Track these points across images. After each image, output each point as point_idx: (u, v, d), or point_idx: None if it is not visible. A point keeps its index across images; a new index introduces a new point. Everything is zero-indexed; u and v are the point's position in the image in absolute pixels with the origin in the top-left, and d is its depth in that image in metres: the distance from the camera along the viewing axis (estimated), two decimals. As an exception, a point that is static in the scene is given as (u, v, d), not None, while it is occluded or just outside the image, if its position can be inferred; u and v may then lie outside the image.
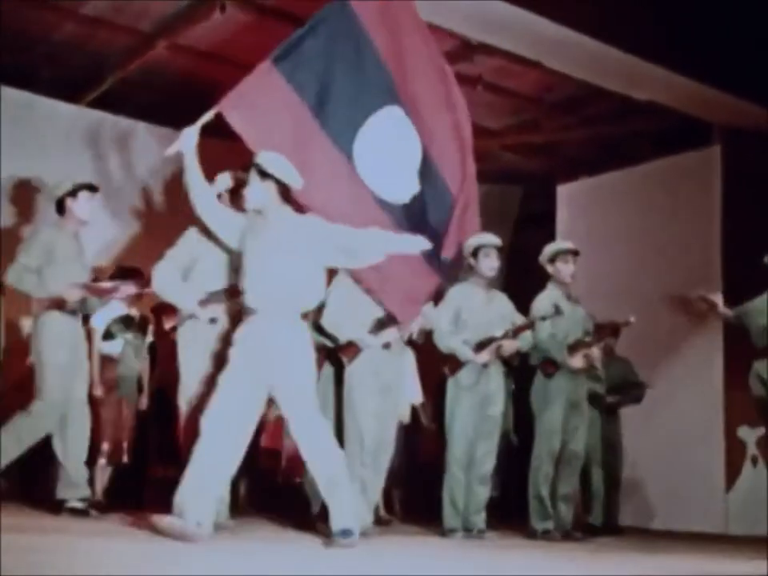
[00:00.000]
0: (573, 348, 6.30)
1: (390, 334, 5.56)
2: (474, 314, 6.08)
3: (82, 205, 5.59)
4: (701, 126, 8.42)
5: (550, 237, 9.11)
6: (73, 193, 5.57)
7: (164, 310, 5.42)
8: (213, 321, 5.08)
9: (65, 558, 3.53)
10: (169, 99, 8.68)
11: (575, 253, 6.50)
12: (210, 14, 7.04)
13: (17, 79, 7.91)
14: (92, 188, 5.64)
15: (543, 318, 6.18)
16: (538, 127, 9.19)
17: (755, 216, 7.98)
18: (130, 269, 6.56)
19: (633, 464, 8.32)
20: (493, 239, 6.16)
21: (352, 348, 5.54)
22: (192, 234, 5.22)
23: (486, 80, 8.09)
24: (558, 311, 6.17)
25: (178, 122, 8.67)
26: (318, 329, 5.69)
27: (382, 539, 5.37)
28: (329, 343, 5.81)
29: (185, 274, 5.18)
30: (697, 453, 8.06)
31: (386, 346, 5.58)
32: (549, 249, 6.59)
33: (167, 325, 5.27)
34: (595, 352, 6.41)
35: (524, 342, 6.19)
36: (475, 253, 6.12)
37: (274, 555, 4.32)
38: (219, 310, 5.11)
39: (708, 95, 7.67)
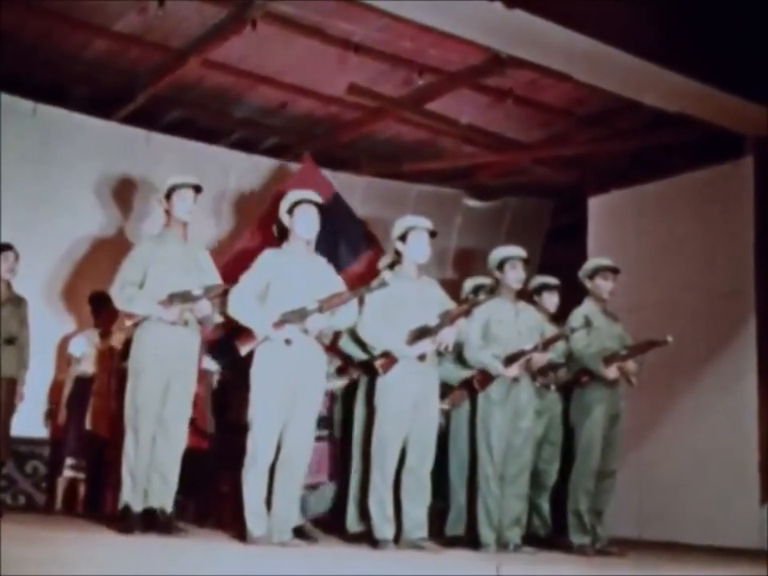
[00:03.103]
0: (608, 360, 6.24)
1: (426, 345, 5.55)
2: (503, 327, 6.04)
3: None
4: (732, 138, 8.35)
5: (582, 250, 9.08)
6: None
7: (240, 334, 5.32)
8: (288, 342, 5.12)
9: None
10: (201, 115, 8.76)
11: (615, 270, 6.49)
12: (241, 29, 7.08)
13: (50, 96, 8.00)
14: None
15: (573, 330, 6.16)
16: (569, 140, 9.16)
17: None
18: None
19: (667, 478, 8.26)
20: (518, 251, 6.13)
21: (388, 358, 5.52)
22: (266, 257, 5.32)
23: (516, 93, 8.09)
24: (587, 323, 6.16)
25: (209, 137, 8.85)
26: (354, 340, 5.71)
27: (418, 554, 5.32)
28: (362, 355, 5.82)
29: (260, 297, 5.23)
30: (731, 465, 7.97)
31: (422, 357, 5.55)
32: (589, 264, 6.57)
33: (244, 349, 5.21)
34: (631, 366, 6.37)
35: (555, 352, 6.18)
36: (501, 266, 6.10)
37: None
38: (294, 331, 5.14)
39: (739, 106, 7.60)
